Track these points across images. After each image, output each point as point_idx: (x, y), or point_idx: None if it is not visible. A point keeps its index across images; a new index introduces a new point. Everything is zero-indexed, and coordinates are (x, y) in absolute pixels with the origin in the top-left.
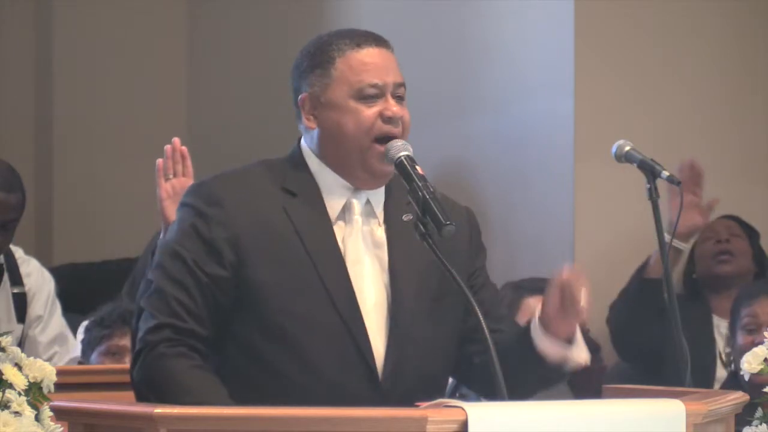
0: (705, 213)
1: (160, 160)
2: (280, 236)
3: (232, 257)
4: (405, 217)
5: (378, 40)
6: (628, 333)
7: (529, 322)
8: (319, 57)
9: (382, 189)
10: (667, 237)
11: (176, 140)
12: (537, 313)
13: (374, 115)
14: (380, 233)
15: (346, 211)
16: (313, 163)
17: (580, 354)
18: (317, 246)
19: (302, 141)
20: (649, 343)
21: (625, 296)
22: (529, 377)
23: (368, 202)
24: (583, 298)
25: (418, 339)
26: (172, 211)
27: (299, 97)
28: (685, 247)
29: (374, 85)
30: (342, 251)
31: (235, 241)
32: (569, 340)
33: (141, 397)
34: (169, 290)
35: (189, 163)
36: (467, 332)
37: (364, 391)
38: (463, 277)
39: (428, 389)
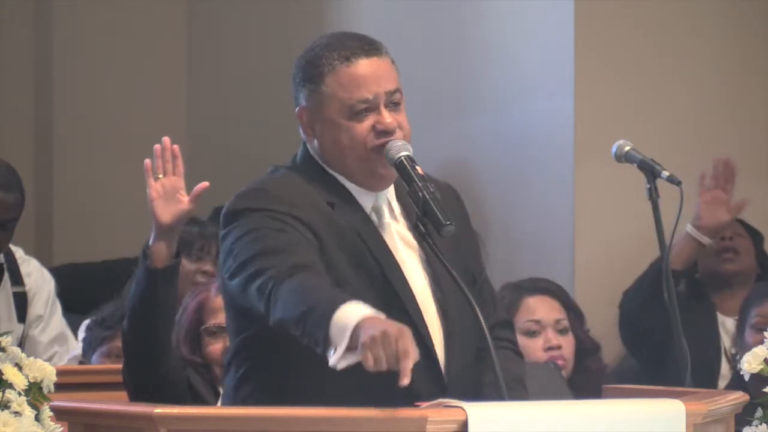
0: (732, 210)
1: (148, 161)
2: (347, 239)
3: (316, 247)
4: None
5: (368, 50)
6: (638, 321)
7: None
8: (310, 71)
9: (392, 189)
10: (689, 228)
11: (166, 139)
12: None
13: (367, 129)
14: (405, 229)
15: (375, 214)
16: (329, 173)
17: None
18: (378, 250)
19: (309, 149)
20: (657, 334)
21: (641, 284)
22: None
23: (388, 202)
24: None
25: (465, 330)
26: (163, 211)
27: (296, 109)
28: (708, 241)
29: (364, 101)
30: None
31: (315, 235)
32: None
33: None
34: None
35: (180, 162)
36: None
37: (431, 391)
38: (478, 261)
39: (478, 378)
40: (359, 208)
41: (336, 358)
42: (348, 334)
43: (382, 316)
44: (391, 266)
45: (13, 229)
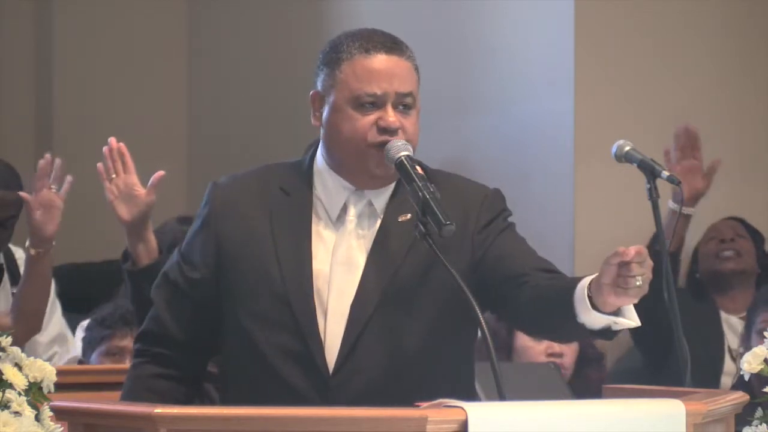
0: (707, 176)
1: (100, 164)
2: (257, 239)
3: (213, 260)
4: (401, 218)
5: (390, 48)
6: (641, 313)
7: (573, 286)
8: (329, 56)
9: (389, 189)
10: (672, 204)
11: (112, 139)
12: (585, 283)
13: (369, 123)
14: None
15: (344, 213)
16: (319, 164)
17: (629, 319)
18: (288, 247)
19: (320, 142)
20: (661, 328)
21: None
22: (570, 334)
23: (370, 203)
24: (640, 281)
25: (384, 333)
26: (123, 211)
27: (311, 92)
28: (692, 210)
29: (372, 95)
30: (312, 252)
31: (218, 243)
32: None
33: None
34: (160, 291)
35: (128, 158)
36: (502, 279)
37: (315, 394)
38: (467, 257)
39: (399, 384)
40: (306, 203)
41: None
42: None
43: None
44: (293, 264)
45: (12, 227)
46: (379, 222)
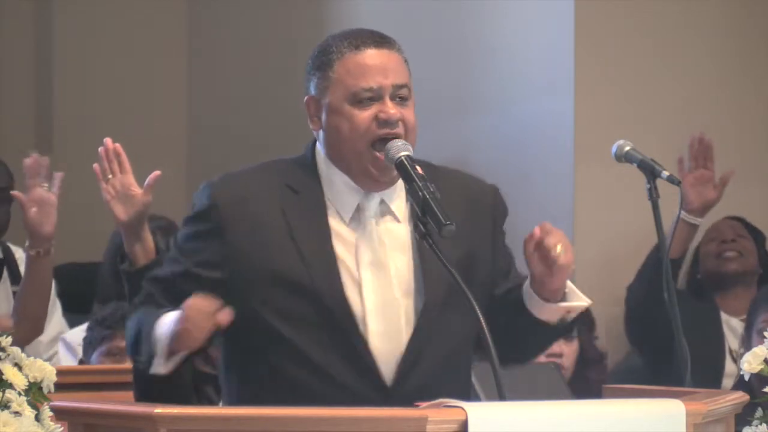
0: (718, 187)
1: (96, 165)
2: (274, 237)
3: (222, 259)
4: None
5: (379, 42)
6: (643, 316)
7: (522, 293)
8: (320, 59)
9: (398, 186)
10: (683, 214)
11: (108, 140)
12: (527, 282)
13: (369, 118)
14: (400, 231)
15: (359, 213)
16: (323, 164)
17: (579, 302)
18: (309, 246)
19: (317, 142)
20: (662, 331)
21: (641, 276)
22: (535, 339)
23: (382, 201)
24: (560, 246)
25: (445, 332)
26: (120, 211)
27: (305, 98)
28: (700, 221)
29: (369, 89)
30: (334, 250)
31: (231, 242)
32: (564, 294)
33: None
34: (159, 287)
35: (124, 159)
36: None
37: (369, 392)
38: (488, 265)
39: (452, 382)
40: (319, 203)
41: (158, 364)
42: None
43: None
44: (318, 263)
45: (8, 203)
46: (396, 219)
